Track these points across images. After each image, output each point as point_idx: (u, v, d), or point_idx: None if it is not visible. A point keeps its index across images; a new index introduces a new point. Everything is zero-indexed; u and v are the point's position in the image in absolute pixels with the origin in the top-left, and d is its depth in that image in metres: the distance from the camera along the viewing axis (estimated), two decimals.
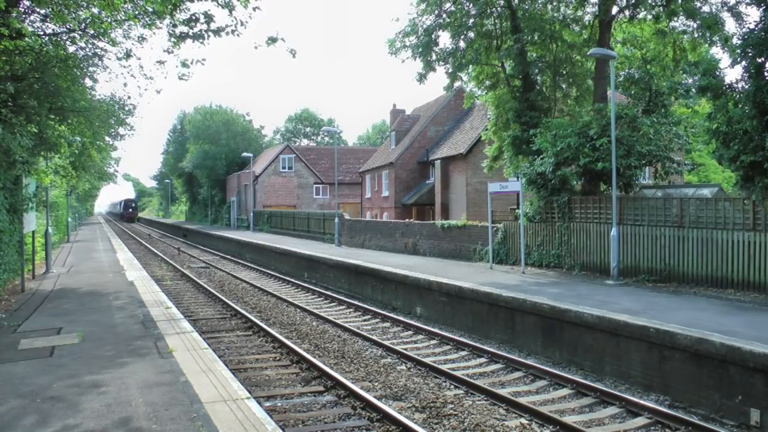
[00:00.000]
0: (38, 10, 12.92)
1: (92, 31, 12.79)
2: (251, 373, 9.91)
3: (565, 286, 14.04)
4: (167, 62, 14.07)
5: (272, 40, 13.02)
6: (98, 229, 55.93)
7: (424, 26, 20.30)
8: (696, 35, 18.60)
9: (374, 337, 12.43)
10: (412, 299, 16.09)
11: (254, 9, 13.05)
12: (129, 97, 17.31)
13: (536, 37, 20.19)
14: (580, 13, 20.69)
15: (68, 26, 12.78)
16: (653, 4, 18.25)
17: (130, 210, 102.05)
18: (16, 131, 11.93)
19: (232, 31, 13.35)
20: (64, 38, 13.22)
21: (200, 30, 13.30)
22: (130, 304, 12.67)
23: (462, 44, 20.71)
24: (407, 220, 29.40)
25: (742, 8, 16.36)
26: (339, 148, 59.85)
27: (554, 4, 20.49)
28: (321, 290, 19.23)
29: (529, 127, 18.96)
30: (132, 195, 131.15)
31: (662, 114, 17.28)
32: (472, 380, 9.42)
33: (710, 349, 8.33)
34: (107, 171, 36.43)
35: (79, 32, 12.97)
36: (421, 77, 20.87)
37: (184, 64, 13.67)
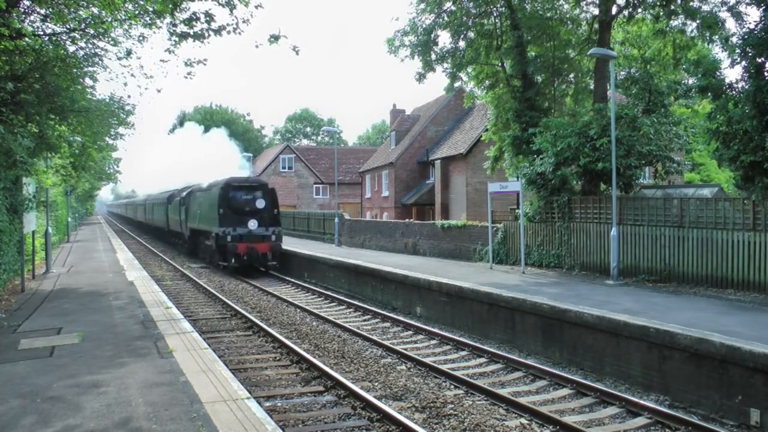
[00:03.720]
0: (38, 10, 12.91)
1: (92, 31, 12.79)
2: (251, 373, 9.91)
3: (565, 286, 14.04)
4: (168, 62, 14.10)
5: (275, 38, 13.00)
6: (98, 229, 55.93)
7: (424, 26, 20.32)
8: (696, 34, 18.63)
9: (374, 337, 12.43)
10: (412, 299, 16.09)
11: (256, 7, 13.03)
12: (129, 96, 17.32)
13: (535, 36, 20.24)
14: (579, 12, 20.73)
15: (68, 26, 12.78)
16: (653, 3, 18.27)
17: (257, 224, 22.96)
18: (17, 131, 11.94)
19: (234, 30, 13.34)
20: (64, 38, 13.21)
21: (201, 29, 13.29)
22: (130, 304, 12.67)
23: (462, 44, 20.74)
24: (407, 220, 29.40)
25: (741, 8, 16.39)
26: (339, 148, 59.84)
27: (553, 3, 20.52)
28: (321, 290, 19.22)
29: (528, 127, 18.97)
30: (248, 170, 31.58)
31: (662, 114, 17.29)
32: (472, 380, 9.42)
33: (710, 349, 8.34)
34: (107, 171, 36.41)
35: (80, 32, 12.97)
36: (421, 77, 20.90)
37: (187, 64, 13.67)
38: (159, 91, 18.14)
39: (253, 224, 22.79)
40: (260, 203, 23.22)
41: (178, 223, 31.64)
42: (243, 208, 23.04)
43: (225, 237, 22.42)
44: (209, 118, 62.07)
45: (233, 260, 22.29)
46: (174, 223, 33.47)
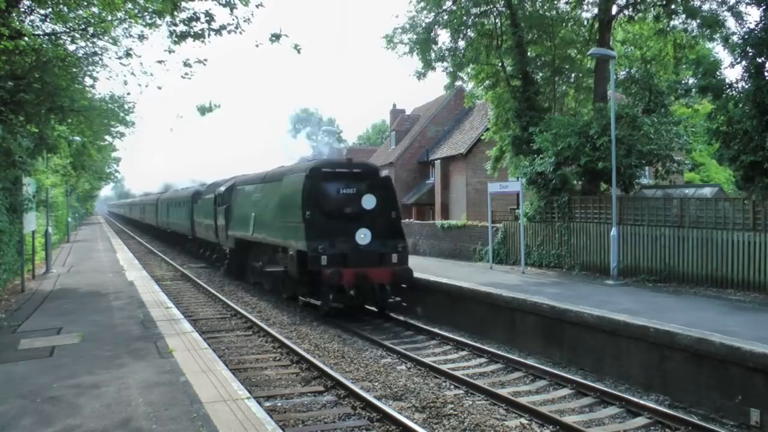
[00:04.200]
0: (38, 10, 12.91)
1: (92, 30, 12.79)
2: (251, 373, 9.90)
3: (564, 286, 14.04)
4: (168, 62, 13.99)
5: (276, 37, 12.96)
6: (98, 229, 55.90)
7: (423, 24, 20.33)
8: (696, 33, 18.64)
9: (374, 337, 12.42)
10: (412, 299, 16.06)
11: (257, 6, 13.00)
12: (129, 94, 17.08)
13: (536, 35, 20.26)
14: (579, 11, 20.75)
15: (68, 26, 12.78)
16: (653, 3, 18.28)
17: (370, 235, 13.89)
18: (16, 131, 11.95)
19: (235, 29, 13.31)
20: (64, 38, 13.21)
21: (201, 29, 13.28)
22: (130, 304, 12.67)
23: (462, 43, 20.75)
24: (407, 219, 29.41)
25: (742, 8, 16.39)
26: (339, 148, 59.84)
27: (554, 2, 20.54)
28: None
29: (528, 126, 18.99)
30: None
31: (662, 114, 17.32)
32: (472, 380, 9.42)
33: (710, 349, 8.33)
34: (107, 171, 36.49)
35: (79, 32, 12.97)
36: (420, 75, 20.90)
37: (185, 64, 13.65)
38: (159, 88, 18.12)
39: (363, 236, 13.83)
40: (369, 201, 14.21)
41: (212, 230, 23.02)
42: (342, 210, 14.25)
43: (317, 258, 13.40)
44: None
45: (332, 297, 13.40)
46: (204, 229, 24.95)
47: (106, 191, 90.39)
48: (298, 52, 13.31)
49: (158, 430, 5.60)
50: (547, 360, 11.11)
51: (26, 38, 11.76)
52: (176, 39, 13.36)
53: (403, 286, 14.06)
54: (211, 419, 5.88)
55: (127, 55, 13.75)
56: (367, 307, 14.67)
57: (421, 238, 24.25)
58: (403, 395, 8.80)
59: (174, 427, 5.67)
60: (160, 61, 13.80)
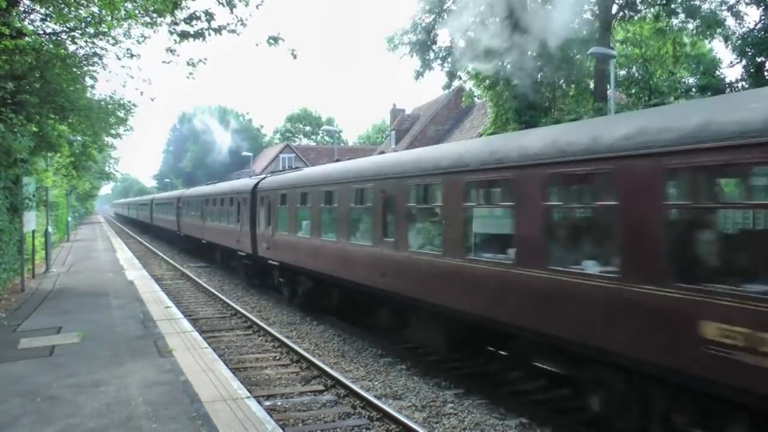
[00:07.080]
0: (38, 9, 12.90)
1: (92, 30, 12.78)
2: (251, 373, 9.91)
3: None
4: (171, 62, 13.91)
5: (273, 40, 12.94)
6: (98, 228, 55.90)
7: (423, 24, 20.38)
8: (696, 32, 18.65)
9: (374, 336, 12.41)
10: None
11: (257, 6, 12.97)
12: (130, 101, 16.99)
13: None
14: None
15: (68, 26, 12.77)
16: (653, 2, 18.28)
17: None
18: (16, 131, 11.95)
19: (234, 28, 13.28)
20: (64, 37, 13.20)
21: (201, 29, 13.25)
22: (129, 303, 12.68)
23: (462, 43, 20.79)
24: None
25: (741, 8, 16.42)
26: (339, 147, 59.87)
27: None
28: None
29: (528, 126, 18.98)
30: None
31: None
32: (472, 379, 9.41)
33: None
34: (106, 170, 36.44)
35: (80, 31, 12.95)
36: (419, 74, 20.94)
37: (189, 63, 13.60)
38: (152, 99, 17.97)
39: None
40: None
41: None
42: None
43: None
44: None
45: None
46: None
47: (105, 190, 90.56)
48: (294, 57, 13.26)
49: (158, 430, 5.61)
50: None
51: (27, 38, 11.75)
52: (177, 39, 13.33)
53: None
54: (211, 418, 5.89)
55: (129, 54, 13.73)
56: None
57: None
58: (403, 394, 8.80)
59: (174, 427, 5.68)
60: (165, 62, 13.74)
